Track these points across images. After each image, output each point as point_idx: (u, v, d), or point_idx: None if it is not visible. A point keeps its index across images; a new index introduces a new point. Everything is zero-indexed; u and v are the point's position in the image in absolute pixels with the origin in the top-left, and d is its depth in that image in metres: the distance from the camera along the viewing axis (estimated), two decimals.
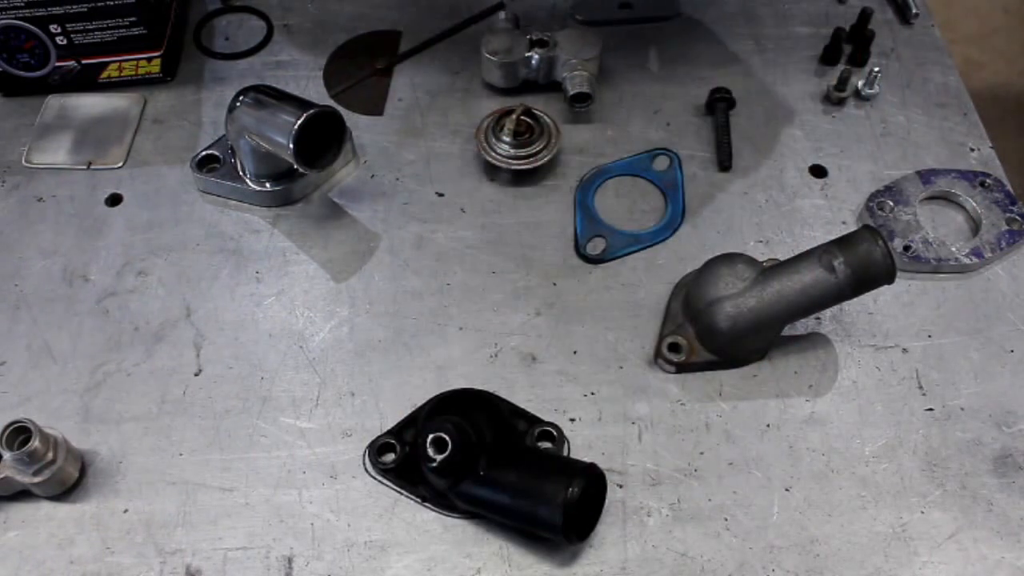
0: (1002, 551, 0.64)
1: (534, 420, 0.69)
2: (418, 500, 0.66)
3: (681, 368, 0.71)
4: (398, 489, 0.66)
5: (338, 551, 0.65)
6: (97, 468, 0.68)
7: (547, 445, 0.68)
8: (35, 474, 0.64)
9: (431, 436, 0.61)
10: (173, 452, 0.69)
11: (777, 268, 0.69)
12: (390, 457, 0.67)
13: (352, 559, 0.64)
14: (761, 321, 0.69)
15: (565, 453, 0.68)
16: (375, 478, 0.67)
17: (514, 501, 0.61)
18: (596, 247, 0.79)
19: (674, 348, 0.72)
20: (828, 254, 0.67)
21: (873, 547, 0.64)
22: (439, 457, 0.61)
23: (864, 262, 0.66)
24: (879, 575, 0.63)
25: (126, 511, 0.66)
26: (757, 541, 0.65)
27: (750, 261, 0.71)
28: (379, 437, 0.69)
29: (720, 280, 0.70)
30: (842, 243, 0.68)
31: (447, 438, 0.61)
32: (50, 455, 0.64)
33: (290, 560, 0.64)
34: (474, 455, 0.62)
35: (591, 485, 0.61)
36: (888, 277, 0.67)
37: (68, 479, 0.66)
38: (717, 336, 0.70)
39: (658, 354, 0.72)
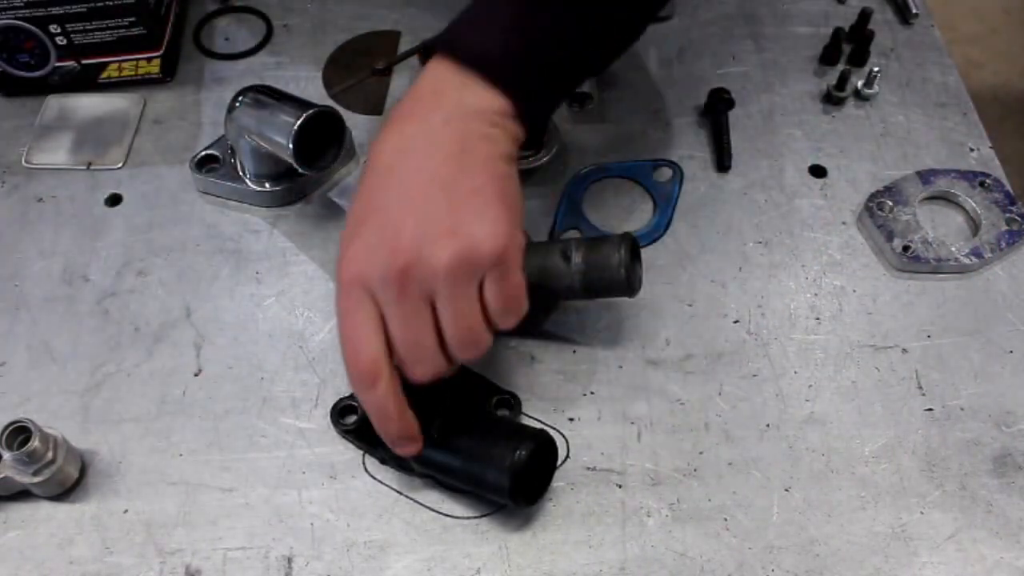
0: (1001, 551, 0.64)
1: (492, 388, 0.71)
2: (378, 459, 0.68)
3: None
4: (360, 445, 0.68)
5: (338, 551, 0.65)
6: (97, 468, 0.68)
7: (504, 412, 0.70)
8: (35, 474, 0.64)
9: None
10: (173, 452, 0.69)
11: (537, 245, 0.68)
12: (352, 419, 0.69)
13: (352, 559, 0.64)
14: None
15: (563, 449, 0.68)
16: (374, 478, 0.68)
17: (464, 464, 0.63)
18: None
19: None
20: (570, 245, 0.66)
21: (873, 547, 0.64)
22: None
23: (598, 264, 0.63)
24: (879, 575, 0.63)
25: (126, 511, 0.66)
26: (756, 541, 0.65)
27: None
28: (341, 400, 0.70)
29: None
30: (591, 241, 0.66)
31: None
32: (50, 455, 0.64)
33: (290, 560, 0.64)
34: (428, 419, 0.63)
35: (540, 450, 0.63)
36: (622, 288, 0.64)
37: (68, 479, 0.66)
38: None
39: None
